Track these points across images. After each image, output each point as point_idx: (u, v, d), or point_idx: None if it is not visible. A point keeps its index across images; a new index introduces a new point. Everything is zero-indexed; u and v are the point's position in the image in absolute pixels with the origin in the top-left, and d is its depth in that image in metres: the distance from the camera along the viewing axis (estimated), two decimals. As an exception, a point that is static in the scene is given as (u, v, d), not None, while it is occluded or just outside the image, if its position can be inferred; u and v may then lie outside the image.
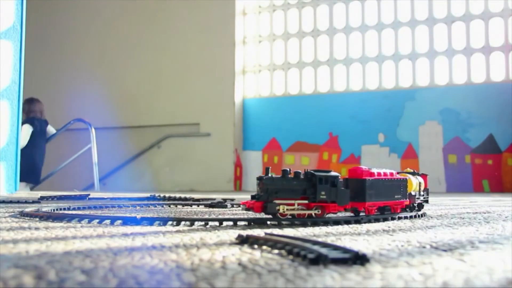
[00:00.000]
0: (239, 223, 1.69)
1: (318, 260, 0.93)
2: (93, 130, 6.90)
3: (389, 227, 1.66)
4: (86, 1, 9.82)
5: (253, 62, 9.06)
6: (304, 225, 1.69)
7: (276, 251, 1.09)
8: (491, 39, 7.84)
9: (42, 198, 3.43)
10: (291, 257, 1.01)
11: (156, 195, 3.69)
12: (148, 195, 3.74)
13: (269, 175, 1.69)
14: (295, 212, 1.70)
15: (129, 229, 1.54)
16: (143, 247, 1.14)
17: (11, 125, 4.86)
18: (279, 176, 1.71)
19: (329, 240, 1.30)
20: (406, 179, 2.00)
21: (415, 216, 2.03)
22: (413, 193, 2.09)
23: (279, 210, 1.67)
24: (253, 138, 8.85)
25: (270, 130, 8.74)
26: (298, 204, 1.69)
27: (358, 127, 8.25)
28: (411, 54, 8.21)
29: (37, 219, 1.87)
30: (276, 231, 1.49)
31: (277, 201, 1.66)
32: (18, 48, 4.95)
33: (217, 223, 1.67)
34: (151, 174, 8.97)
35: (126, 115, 9.08)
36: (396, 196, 1.93)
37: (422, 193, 2.22)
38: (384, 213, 1.91)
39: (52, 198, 3.45)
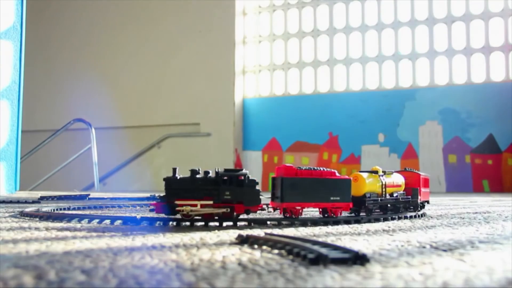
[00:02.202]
0: (239, 223, 1.69)
1: (318, 260, 0.92)
2: (93, 130, 6.90)
3: (389, 227, 1.66)
4: (86, 1, 9.81)
5: (253, 62, 9.06)
6: (304, 225, 1.69)
7: (276, 251, 1.09)
8: (491, 39, 7.84)
9: (42, 198, 3.43)
10: (291, 257, 1.01)
11: (156, 195, 3.69)
12: (148, 195, 3.74)
13: (176, 175, 1.66)
14: (200, 213, 1.63)
15: (129, 229, 1.54)
16: (143, 247, 1.14)
17: (11, 125, 4.86)
18: (186, 176, 1.66)
19: (329, 240, 1.30)
20: (347, 180, 1.79)
21: (415, 216, 2.03)
22: (368, 195, 1.87)
23: (180, 211, 1.62)
24: (253, 138, 8.85)
25: (270, 130, 8.75)
26: (202, 205, 1.63)
27: (358, 127, 8.25)
28: (411, 54, 8.21)
29: (37, 219, 1.87)
30: (276, 231, 1.49)
31: (178, 202, 1.62)
32: (18, 48, 4.95)
33: (217, 223, 1.67)
34: (151, 174, 8.97)
35: (126, 115, 9.08)
36: (332, 198, 1.75)
37: (396, 194, 2.01)
38: (325, 216, 1.77)
39: (52, 198, 3.45)
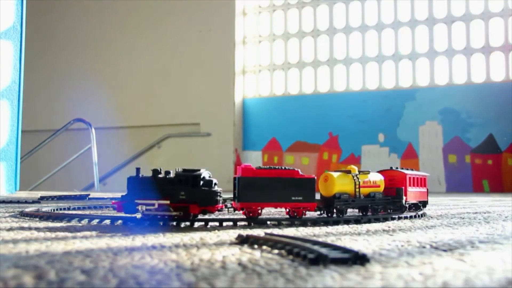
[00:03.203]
0: (239, 223, 1.69)
1: (318, 260, 0.92)
2: (93, 130, 6.89)
3: (389, 227, 1.66)
4: (86, 1, 9.81)
5: (253, 62, 9.06)
6: (304, 225, 1.69)
7: (276, 251, 1.09)
8: (491, 39, 7.84)
9: (42, 198, 3.43)
10: (291, 257, 1.01)
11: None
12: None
13: (140, 175, 1.67)
14: (159, 213, 1.64)
15: (129, 229, 1.54)
16: (143, 247, 1.14)
17: (11, 125, 4.86)
18: (147, 176, 1.67)
19: (329, 240, 1.30)
20: (311, 179, 1.73)
21: (415, 216, 2.03)
22: (337, 195, 1.81)
23: (139, 210, 1.63)
24: (253, 138, 8.85)
25: (270, 130, 8.74)
26: (159, 205, 1.63)
27: (358, 127, 8.25)
28: (411, 54, 8.21)
29: (37, 219, 1.87)
30: (276, 231, 1.49)
31: (138, 201, 1.64)
32: (18, 48, 4.95)
33: (217, 223, 1.67)
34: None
35: (126, 115, 9.08)
36: (294, 198, 1.71)
37: (374, 194, 1.93)
38: (290, 216, 1.74)
39: (52, 198, 3.45)
